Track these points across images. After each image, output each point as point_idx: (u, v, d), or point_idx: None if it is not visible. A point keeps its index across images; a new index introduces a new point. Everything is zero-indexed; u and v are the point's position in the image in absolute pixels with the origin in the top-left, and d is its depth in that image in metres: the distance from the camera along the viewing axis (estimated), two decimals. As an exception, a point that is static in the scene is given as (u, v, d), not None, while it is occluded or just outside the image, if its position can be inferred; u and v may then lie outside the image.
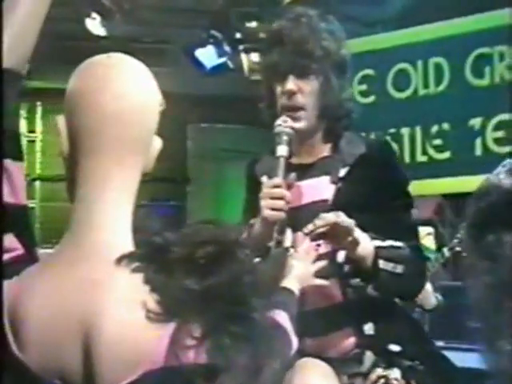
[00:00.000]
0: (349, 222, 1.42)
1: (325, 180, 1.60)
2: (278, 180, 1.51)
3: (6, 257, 0.98)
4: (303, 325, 1.30)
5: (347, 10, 4.25)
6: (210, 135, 6.28)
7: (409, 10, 4.27)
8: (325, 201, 1.56)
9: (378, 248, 1.47)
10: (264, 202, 1.49)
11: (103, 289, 0.86)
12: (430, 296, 2.80)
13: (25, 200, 1.08)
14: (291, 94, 1.57)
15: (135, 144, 0.96)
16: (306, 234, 1.41)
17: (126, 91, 0.96)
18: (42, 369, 0.85)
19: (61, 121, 0.97)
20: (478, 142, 3.85)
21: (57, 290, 0.88)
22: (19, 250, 1.02)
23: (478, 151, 3.85)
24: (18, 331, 0.87)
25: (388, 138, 3.91)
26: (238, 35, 4.65)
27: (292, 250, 1.48)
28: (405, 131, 4.19)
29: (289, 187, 1.52)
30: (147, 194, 7.14)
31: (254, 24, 4.39)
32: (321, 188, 1.59)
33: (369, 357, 1.50)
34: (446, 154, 4.04)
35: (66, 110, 0.97)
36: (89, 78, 0.96)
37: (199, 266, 0.86)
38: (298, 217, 1.54)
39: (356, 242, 1.43)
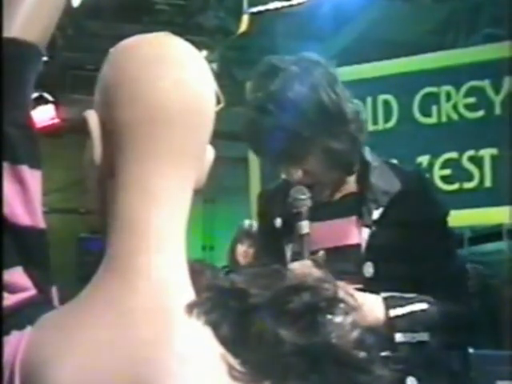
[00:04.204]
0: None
1: (353, 221, 1.39)
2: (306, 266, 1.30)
3: (12, 300, 0.72)
4: None
5: (292, 46, 4.23)
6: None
7: (355, 47, 4.29)
8: (355, 246, 1.36)
9: (392, 318, 1.27)
10: None
11: (170, 345, 0.63)
12: None
13: (43, 222, 0.80)
14: (297, 182, 1.40)
15: (190, 150, 0.73)
16: None
17: (190, 81, 0.73)
18: None
19: (92, 117, 0.73)
20: (426, 179, 3.87)
21: (100, 348, 0.64)
22: (30, 290, 0.75)
23: (426, 189, 3.87)
24: None
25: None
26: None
27: None
28: (353, 167, 4.15)
29: (317, 267, 1.31)
30: (87, 225, 6.90)
31: (204, 53, 4.34)
32: (349, 230, 1.39)
33: None
34: (394, 191, 4.01)
35: (99, 104, 0.75)
36: (136, 63, 0.73)
37: (295, 316, 0.63)
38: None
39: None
